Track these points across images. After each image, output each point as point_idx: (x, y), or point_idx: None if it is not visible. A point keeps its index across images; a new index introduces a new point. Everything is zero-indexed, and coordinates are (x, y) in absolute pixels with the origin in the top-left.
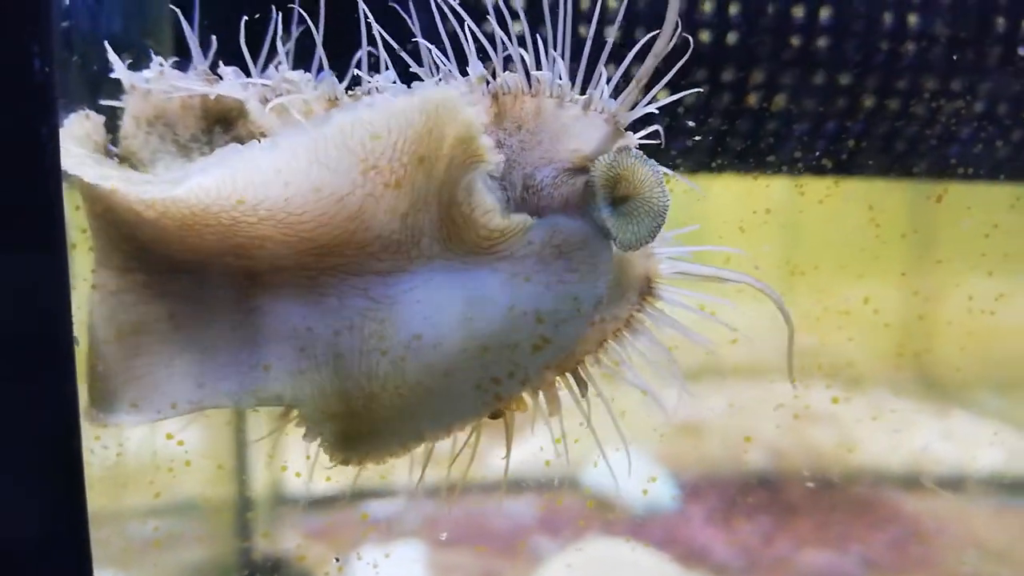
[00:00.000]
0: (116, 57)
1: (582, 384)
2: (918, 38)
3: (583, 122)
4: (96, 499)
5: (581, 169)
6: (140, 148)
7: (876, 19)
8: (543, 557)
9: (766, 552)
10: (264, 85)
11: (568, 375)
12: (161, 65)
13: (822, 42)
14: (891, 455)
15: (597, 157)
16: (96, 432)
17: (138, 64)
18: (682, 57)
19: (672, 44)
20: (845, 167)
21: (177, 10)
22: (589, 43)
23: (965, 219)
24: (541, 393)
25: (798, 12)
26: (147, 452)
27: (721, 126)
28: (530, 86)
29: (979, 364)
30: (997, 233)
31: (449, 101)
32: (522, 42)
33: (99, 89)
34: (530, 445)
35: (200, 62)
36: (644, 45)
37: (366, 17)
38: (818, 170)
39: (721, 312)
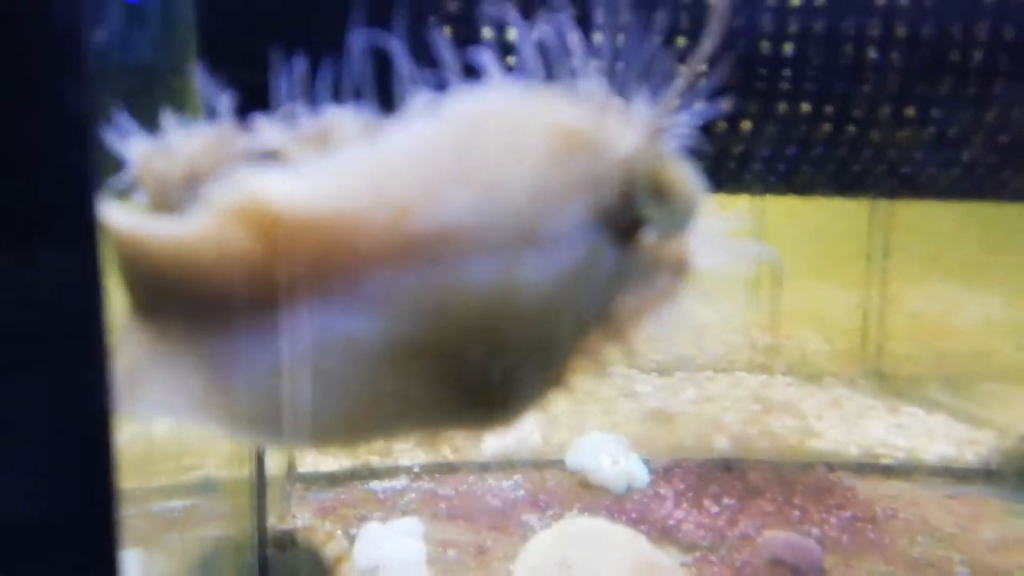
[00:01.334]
0: (131, 128)
1: (625, 348)
2: (875, 68)
3: (623, 126)
4: (122, 480)
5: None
6: (179, 205)
7: (836, 50)
8: (529, 532)
9: (731, 531)
10: (302, 125)
11: (610, 340)
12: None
13: (785, 72)
14: (848, 445)
15: (637, 157)
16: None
17: (174, 96)
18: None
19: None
20: (801, 190)
21: (200, 71)
22: (627, 50)
23: (912, 243)
24: (585, 359)
25: (764, 47)
26: (172, 435)
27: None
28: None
29: (926, 370)
30: (928, 295)
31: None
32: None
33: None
34: (519, 429)
35: (227, 115)
36: (684, 53)
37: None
38: (776, 193)
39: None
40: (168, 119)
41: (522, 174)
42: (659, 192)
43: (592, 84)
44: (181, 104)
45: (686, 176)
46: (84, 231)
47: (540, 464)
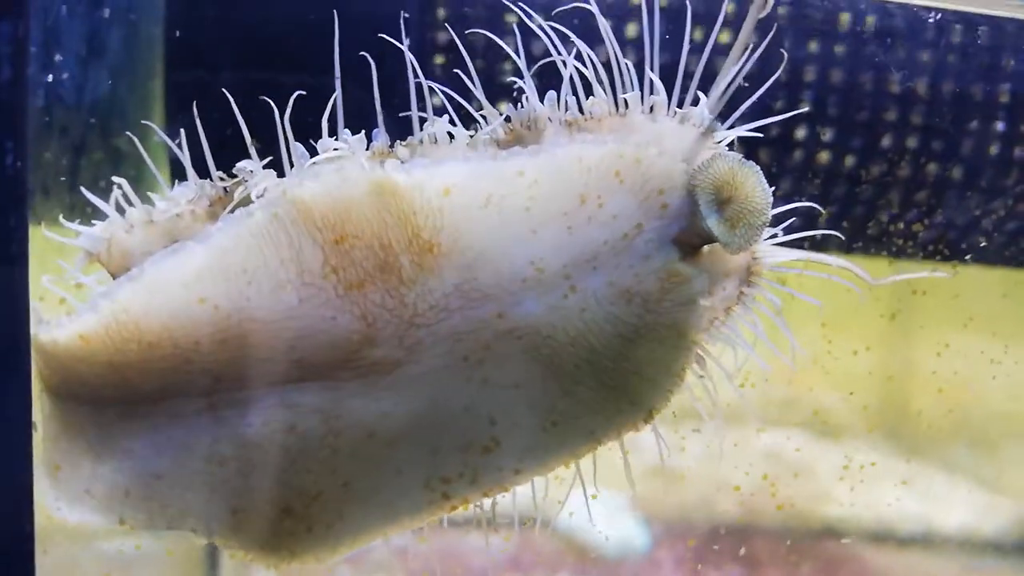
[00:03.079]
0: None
1: (700, 361)
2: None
3: (679, 133)
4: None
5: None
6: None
7: (854, 108)
8: None
9: None
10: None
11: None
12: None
13: (800, 128)
14: (862, 510)
15: (695, 164)
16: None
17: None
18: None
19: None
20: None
21: (177, 140)
22: (683, 59)
23: (936, 296)
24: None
25: (777, 104)
26: None
27: None
28: (617, 107)
29: (948, 429)
30: (948, 352)
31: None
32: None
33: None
34: None
35: (194, 178)
36: (736, 59)
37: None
38: None
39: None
40: (128, 188)
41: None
42: (722, 201)
43: (639, 97)
44: (143, 142)
45: (750, 182)
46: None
47: (529, 521)
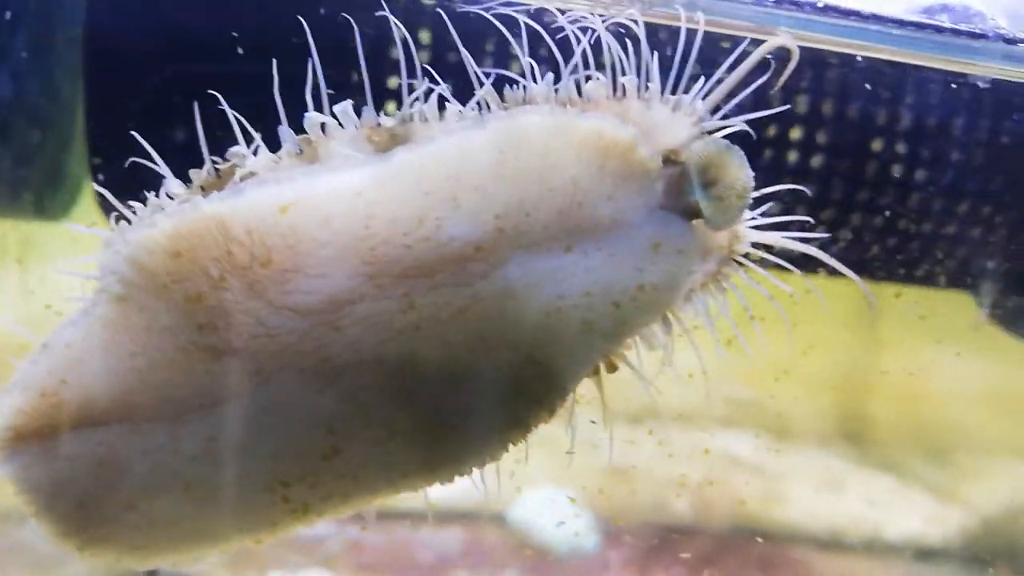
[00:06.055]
0: None
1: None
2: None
3: (672, 120)
4: None
5: (671, 160)
6: None
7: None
8: None
9: None
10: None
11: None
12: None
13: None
14: (813, 514)
15: (686, 148)
16: None
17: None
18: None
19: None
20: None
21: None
22: (679, 50)
23: (899, 304)
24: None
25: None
26: None
27: None
28: (615, 92)
29: (902, 437)
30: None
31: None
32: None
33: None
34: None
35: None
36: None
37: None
38: None
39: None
40: None
41: (560, 177)
42: (709, 181)
43: (636, 85)
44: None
45: (735, 165)
46: None
47: (482, 516)
